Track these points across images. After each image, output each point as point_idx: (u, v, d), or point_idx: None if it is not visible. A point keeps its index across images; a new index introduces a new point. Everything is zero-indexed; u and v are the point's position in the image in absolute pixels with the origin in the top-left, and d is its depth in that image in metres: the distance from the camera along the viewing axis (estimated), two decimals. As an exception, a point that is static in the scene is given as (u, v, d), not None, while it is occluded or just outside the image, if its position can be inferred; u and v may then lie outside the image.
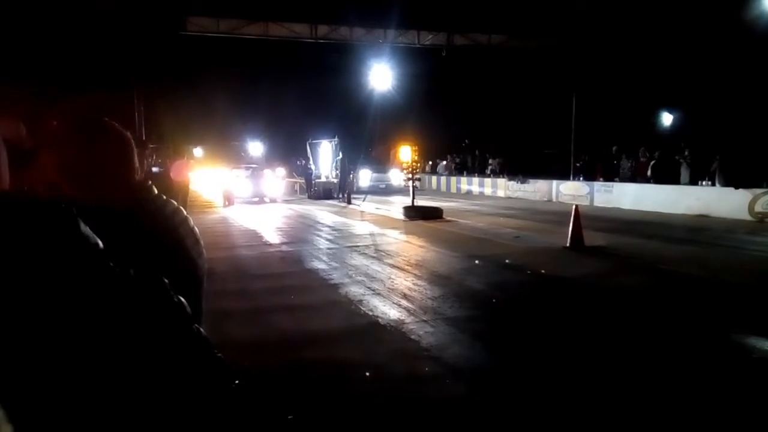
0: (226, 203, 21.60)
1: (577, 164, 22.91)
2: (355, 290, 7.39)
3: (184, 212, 1.46)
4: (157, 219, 1.37)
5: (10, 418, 0.97)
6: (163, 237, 1.33)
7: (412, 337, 5.46)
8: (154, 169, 14.10)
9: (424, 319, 6.04)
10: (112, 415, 1.03)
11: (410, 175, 17.36)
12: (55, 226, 1.05)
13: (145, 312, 1.09)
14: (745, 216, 14.48)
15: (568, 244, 10.43)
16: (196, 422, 1.12)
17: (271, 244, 11.94)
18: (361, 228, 14.42)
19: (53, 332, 0.99)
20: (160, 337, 1.09)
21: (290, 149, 37.10)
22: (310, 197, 25.56)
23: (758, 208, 14.40)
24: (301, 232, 13.93)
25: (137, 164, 1.38)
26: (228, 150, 42.73)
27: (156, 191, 1.43)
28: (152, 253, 1.21)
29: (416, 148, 17.33)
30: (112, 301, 1.05)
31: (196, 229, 1.47)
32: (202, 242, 1.46)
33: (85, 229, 1.07)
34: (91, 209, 1.10)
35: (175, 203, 1.46)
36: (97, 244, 1.07)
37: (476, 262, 9.03)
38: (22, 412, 0.99)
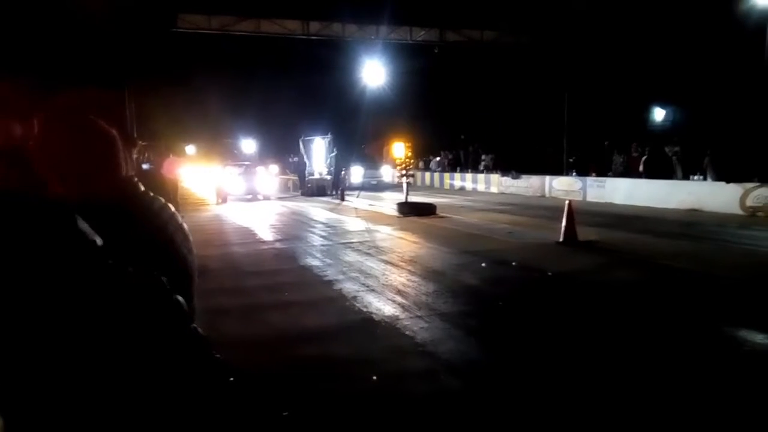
0: (219, 201, 21.53)
1: (570, 160, 22.97)
2: (349, 287, 7.38)
3: (172, 208, 1.45)
4: (144, 215, 1.36)
5: (2, 410, 0.97)
6: (151, 233, 1.33)
7: (407, 332, 5.47)
8: (145, 166, 14.05)
9: (419, 314, 6.04)
10: (108, 411, 1.02)
11: (403, 172, 17.36)
12: (53, 223, 1.04)
13: (143, 310, 1.08)
14: (737, 210, 14.57)
15: (561, 239, 10.46)
16: (193, 419, 1.12)
17: (264, 242, 11.92)
18: (354, 224, 14.41)
19: (51, 328, 0.99)
20: (157, 335, 1.09)
21: (283, 146, 37.03)
22: (303, 194, 25.51)
23: (749, 202, 14.49)
24: (294, 229, 13.90)
25: (123, 162, 1.37)
26: (221, 147, 42.56)
27: (143, 188, 1.42)
28: (141, 250, 1.20)
29: (409, 144, 17.32)
30: (110, 298, 1.04)
31: (185, 225, 1.47)
32: (191, 238, 1.46)
33: (83, 226, 1.07)
34: (79, 206, 1.10)
35: (163, 200, 1.45)
36: (95, 242, 1.07)
37: (482, 264, 9.03)
38: (16, 406, 0.99)
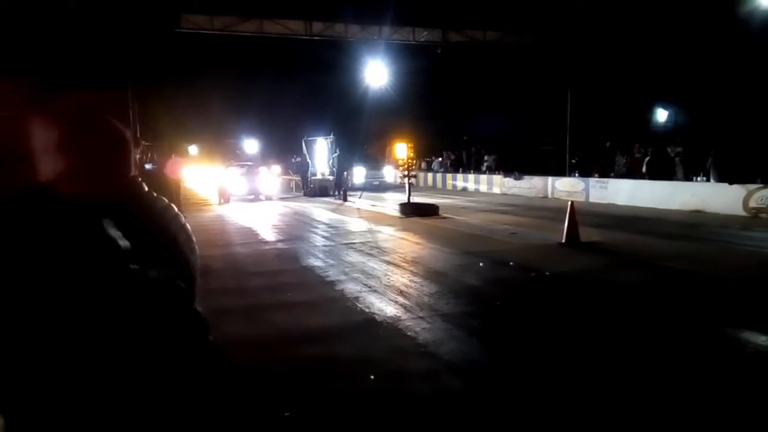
0: (222, 201, 21.56)
1: (573, 160, 22.95)
2: (351, 287, 7.39)
3: (175, 209, 1.45)
4: (148, 216, 1.36)
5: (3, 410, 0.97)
6: (154, 233, 1.33)
7: (409, 333, 5.47)
8: (147, 166, 14.07)
9: (421, 315, 6.04)
10: (121, 417, 1.02)
11: (406, 172, 17.36)
12: (81, 227, 1.04)
13: (164, 319, 1.08)
14: (740, 211, 14.54)
15: (563, 240, 10.45)
16: (201, 425, 1.12)
17: (267, 242, 11.93)
18: (357, 225, 14.42)
19: (72, 331, 0.99)
20: (176, 345, 1.08)
21: (286, 146, 37.05)
22: (306, 194, 25.54)
23: (752, 203, 14.46)
24: (297, 229, 13.91)
25: (133, 162, 1.37)
26: (223, 147, 42.65)
27: (147, 188, 1.42)
28: (144, 250, 1.20)
29: (412, 145, 17.32)
30: (132, 305, 1.04)
31: (188, 225, 1.47)
32: (194, 238, 1.46)
33: (111, 230, 1.07)
34: (38, 201, 1.09)
35: (166, 200, 1.45)
36: (120, 247, 1.07)
37: (484, 265, 9.03)
38: (23, 407, 0.99)
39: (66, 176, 1.23)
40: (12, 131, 1.30)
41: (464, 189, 28.28)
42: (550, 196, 22.22)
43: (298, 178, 28.73)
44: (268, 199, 23.27)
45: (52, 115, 1.25)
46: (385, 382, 4.36)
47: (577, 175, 21.94)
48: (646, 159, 18.52)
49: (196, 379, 1.10)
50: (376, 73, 25.48)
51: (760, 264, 8.82)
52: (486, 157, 28.69)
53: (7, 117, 1.34)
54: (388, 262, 9.05)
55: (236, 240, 12.23)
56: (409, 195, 16.90)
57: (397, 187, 26.56)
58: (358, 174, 31.36)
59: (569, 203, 10.81)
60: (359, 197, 22.62)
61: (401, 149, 17.27)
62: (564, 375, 4.45)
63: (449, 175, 30.63)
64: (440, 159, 32.90)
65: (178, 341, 1.08)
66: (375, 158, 34.88)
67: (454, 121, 33.55)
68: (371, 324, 5.84)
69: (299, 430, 3.71)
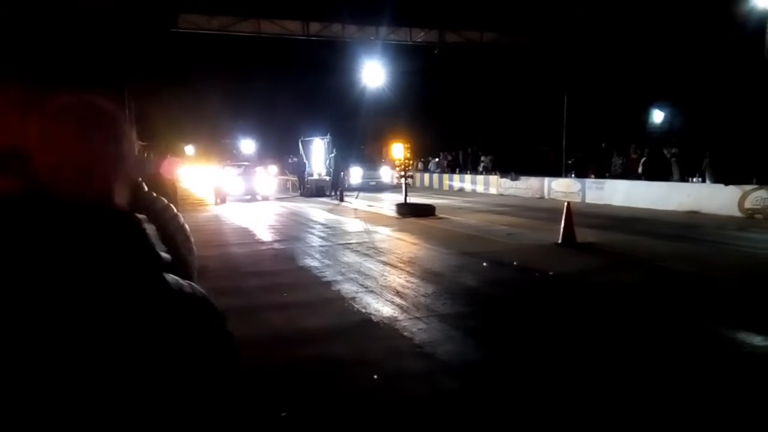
0: (218, 201, 21.53)
1: (569, 161, 22.99)
2: (347, 288, 7.38)
3: (174, 209, 1.45)
4: (147, 216, 1.36)
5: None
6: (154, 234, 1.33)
7: (405, 334, 5.47)
8: (145, 167, 14.08)
9: (417, 316, 6.05)
10: (126, 419, 1.01)
11: (403, 173, 17.37)
12: (126, 237, 1.04)
13: (197, 339, 1.08)
14: (735, 212, 14.59)
15: (560, 241, 10.47)
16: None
17: (263, 242, 11.91)
18: (353, 225, 14.41)
19: (102, 340, 0.98)
20: (206, 366, 1.08)
21: (282, 147, 37.04)
22: (302, 195, 25.53)
23: (748, 204, 14.51)
24: (293, 229, 13.90)
25: (134, 162, 1.37)
26: (220, 147, 42.60)
27: (146, 188, 1.42)
28: None
29: (408, 145, 17.34)
30: (168, 321, 1.04)
31: (186, 225, 1.47)
32: (192, 239, 1.46)
33: (155, 243, 1.07)
34: (83, 208, 1.09)
35: (165, 200, 1.45)
36: (159, 256, 1.07)
37: (480, 266, 9.04)
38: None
39: (70, 177, 1.22)
40: (19, 131, 1.29)
41: (461, 189, 28.31)
42: (546, 196, 22.25)
43: (294, 178, 28.72)
44: (265, 199, 23.25)
45: (58, 112, 1.23)
46: (382, 383, 4.35)
47: (573, 175, 21.98)
48: (642, 160, 18.56)
49: (213, 399, 1.10)
50: (373, 73, 25.51)
51: (755, 265, 8.84)
52: (482, 158, 28.75)
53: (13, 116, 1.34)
54: (385, 263, 9.05)
55: (233, 240, 12.21)
56: (406, 195, 16.91)
57: (393, 188, 26.60)
58: (355, 174, 31.41)
59: (565, 204, 10.84)
60: (356, 198, 22.63)
61: (398, 150, 17.28)
62: (560, 376, 4.46)
63: (446, 176, 30.67)
64: (437, 159, 32.95)
65: (207, 365, 1.08)
66: (372, 158, 34.98)
67: (450, 121, 33.58)
68: (368, 325, 5.83)
69: (296, 430, 3.70)
